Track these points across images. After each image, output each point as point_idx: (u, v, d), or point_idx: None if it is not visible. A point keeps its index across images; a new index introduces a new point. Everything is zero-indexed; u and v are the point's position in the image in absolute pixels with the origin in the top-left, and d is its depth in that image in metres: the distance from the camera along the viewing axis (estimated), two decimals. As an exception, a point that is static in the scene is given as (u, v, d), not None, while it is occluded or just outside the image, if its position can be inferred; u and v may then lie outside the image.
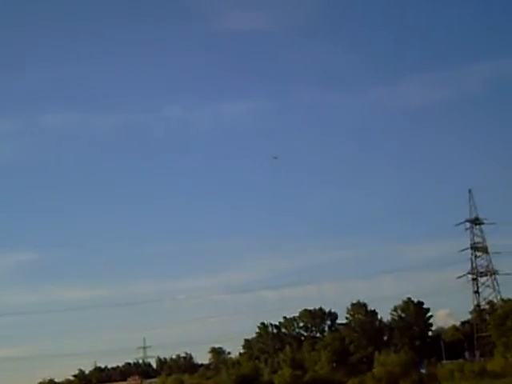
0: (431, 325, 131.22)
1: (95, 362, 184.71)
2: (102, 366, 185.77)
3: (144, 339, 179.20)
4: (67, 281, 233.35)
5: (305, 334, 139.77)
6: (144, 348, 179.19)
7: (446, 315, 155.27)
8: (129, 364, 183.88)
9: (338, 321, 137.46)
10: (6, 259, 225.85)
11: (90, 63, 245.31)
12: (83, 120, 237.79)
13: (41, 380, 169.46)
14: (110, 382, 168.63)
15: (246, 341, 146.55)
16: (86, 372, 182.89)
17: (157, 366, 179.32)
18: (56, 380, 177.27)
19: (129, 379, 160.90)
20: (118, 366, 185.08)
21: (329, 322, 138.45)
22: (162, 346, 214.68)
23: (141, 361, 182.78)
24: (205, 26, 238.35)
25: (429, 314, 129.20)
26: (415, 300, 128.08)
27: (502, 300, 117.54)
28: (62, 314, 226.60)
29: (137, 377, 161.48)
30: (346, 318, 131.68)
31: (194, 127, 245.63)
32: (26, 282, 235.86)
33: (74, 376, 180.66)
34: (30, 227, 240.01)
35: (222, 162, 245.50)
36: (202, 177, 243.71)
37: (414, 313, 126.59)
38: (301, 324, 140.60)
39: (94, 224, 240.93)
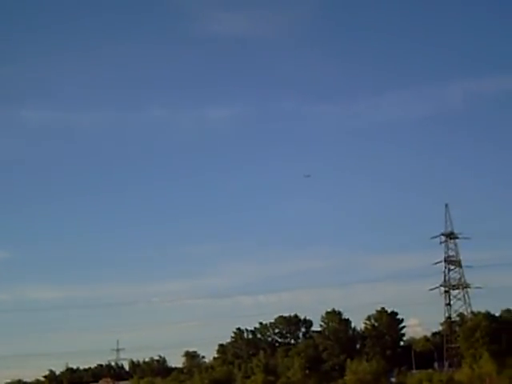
0: (403, 335, 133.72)
1: (67, 363, 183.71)
2: (74, 367, 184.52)
3: (117, 341, 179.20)
4: (40, 280, 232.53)
5: (279, 340, 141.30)
6: (117, 350, 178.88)
7: (417, 326, 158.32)
8: (101, 366, 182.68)
9: (313, 328, 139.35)
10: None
11: (75, 60, 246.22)
12: (64, 117, 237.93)
13: (8, 380, 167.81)
14: (81, 383, 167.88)
15: (221, 345, 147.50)
16: (57, 373, 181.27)
17: (130, 368, 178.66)
18: (25, 380, 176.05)
19: (100, 381, 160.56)
20: (89, 368, 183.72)
21: (303, 329, 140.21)
22: (136, 348, 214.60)
23: (113, 363, 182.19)
24: (193, 29, 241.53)
25: (402, 325, 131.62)
26: (389, 310, 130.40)
27: (472, 313, 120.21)
28: (34, 313, 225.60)
29: (109, 379, 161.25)
30: (321, 326, 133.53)
31: (177, 129, 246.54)
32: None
33: (45, 377, 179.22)
34: (2, 225, 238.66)
35: (203, 166, 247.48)
36: (181, 180, 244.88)
37: (387, 322, 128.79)
38: (276, 330, 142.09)
39: (70, 224, 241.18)
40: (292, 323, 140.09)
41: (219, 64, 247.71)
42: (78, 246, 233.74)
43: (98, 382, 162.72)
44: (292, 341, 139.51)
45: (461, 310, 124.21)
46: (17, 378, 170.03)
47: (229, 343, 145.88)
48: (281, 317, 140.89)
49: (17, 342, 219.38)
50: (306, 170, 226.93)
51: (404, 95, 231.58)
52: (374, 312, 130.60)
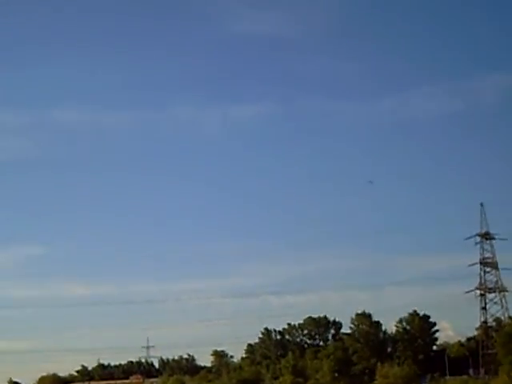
0: (436, 339, 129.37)
1: (98, 358, 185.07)
2: (105, 364, 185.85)
3: (147, 339, 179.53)
4: (73, 277, 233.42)
5: (308, 341, 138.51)
6: (147, 347, 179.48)
7: (450, 330, 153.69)
8: (131, 362, 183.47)
9: (342, 330, 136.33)
10: (14, 252, 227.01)
11: (105, 61, 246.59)
12: (94, 116, 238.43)
13: (44, 374, 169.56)
14: (112, 379, 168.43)
15: (249, 345, 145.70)
16: (89, 368, 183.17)
17: (159, 365, 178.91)
18: (59, 374, 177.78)
19: (131, 378, 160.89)
20: (120, 364, 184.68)
21: (333, 331, 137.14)
22: (165, 346, 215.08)
23: (143, 360, 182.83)
24: (218, 28, 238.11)
25: (434, 329, 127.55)
26: (421, 313, 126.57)
27: (510, 318, 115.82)
28: (67, 309, 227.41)
29: (139, 376, 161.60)
30: (350, 328, 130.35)
31: (202, 127, 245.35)
32: (33, 276, 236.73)
33: (77, 372, 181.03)
34: (39, 222, 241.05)
35: (228, 165, 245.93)
36: (207, 178, 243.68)
37: (419, 326, 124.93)
38: (305, 331, 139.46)
39: (102, 222, 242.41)
40: (321, 325, 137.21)
41: (244, 62, 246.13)
42: (111, 244, 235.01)
43: (128, 378, 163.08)
44: (321, 342, 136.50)
45: (497, 315, 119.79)
46: (51, 373, 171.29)
47: (257, 343, 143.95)
48: (309, 318, 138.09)
49: (51, 338, 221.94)
50: (333, 168, 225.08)
51: (434, 91, 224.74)
52: (406, 315, 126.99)
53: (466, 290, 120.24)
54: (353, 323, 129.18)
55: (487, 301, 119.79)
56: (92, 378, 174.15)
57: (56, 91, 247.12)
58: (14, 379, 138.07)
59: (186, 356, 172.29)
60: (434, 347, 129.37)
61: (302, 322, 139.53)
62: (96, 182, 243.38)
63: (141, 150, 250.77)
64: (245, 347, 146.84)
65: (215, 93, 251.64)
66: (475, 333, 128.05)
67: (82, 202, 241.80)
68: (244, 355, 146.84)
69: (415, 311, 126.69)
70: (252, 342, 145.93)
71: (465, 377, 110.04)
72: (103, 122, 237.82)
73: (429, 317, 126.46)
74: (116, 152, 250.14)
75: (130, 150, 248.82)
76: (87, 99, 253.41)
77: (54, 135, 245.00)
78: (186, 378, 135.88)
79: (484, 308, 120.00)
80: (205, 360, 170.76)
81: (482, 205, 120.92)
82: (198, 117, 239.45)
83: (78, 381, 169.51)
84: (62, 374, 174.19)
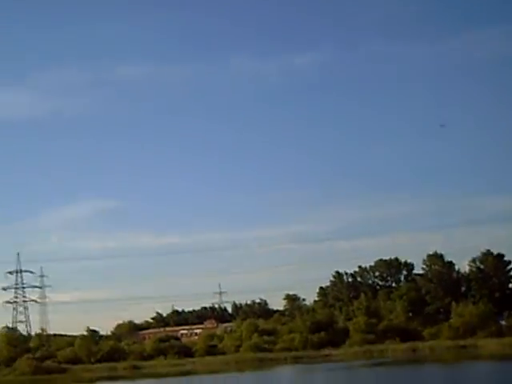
0: (511, 277, 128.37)
1: (172, 305, 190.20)
2: (179, 310, 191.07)
3: (219, 285, 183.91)
4: (145, 228, 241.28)
5: (380, 283, 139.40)
6: (219, 293, 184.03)
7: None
8: (205, 308, 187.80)
9: (414, 271, 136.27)
10: (86, 205, 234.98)
11: (166, 14, 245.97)
12: (153, 72, 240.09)
13: (120, 321, 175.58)
14: (187, 325, 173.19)
15: (321, 288, 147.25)
16: (164, 315, 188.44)
17: (232, 310, 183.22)
18: (135, 322, 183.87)
19: (205, 323, 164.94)
20: (194, 310, 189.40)
21: (405, 272, 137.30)
22: (237, 291, 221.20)
23: (217, 305, 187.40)
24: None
25: (509, 267, 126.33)
26: (495, 252, 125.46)
27: None
28: (138, 259, 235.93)
29: (213, 321, 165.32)
30: (422, 269, 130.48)
31: (263, 78, 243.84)
32: (104, 228, 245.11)
33: (152, 318, 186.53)
34: (110, 176, 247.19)
35: (290, 113, 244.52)
36: (272, 128, 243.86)
37: (493, 265, 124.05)
38: (376, 273, 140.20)
39: (169, 173, 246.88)
40: (392, 266, 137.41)
41: (305, 8, 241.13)
42: (179, 195, 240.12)
43: (202, 323, 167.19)
44: (393, 284, 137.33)
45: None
46: (127, 320, 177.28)
47: (329, 286, 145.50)
48: (381, 260, 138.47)
49: (127, 287, 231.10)
50: (397, 114, 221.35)
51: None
52: (479, 254, 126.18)
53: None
54: (425, 264, 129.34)
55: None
56: (167, 324, 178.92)
57: (119, 47, 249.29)
58: (92, 327, 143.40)
59: (258, 301, 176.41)
60: (510, 285, 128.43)
61: (372, 264, 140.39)
62: (161, 135, 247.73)
63: (201, 102, 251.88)
64: (316, 290, 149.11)
65: (275, 42, 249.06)
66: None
67: (148, 156, 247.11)
68: (316, 298, 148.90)
69: (488, 250, 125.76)
70: (323, 285, 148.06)
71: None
72: (166, 75, 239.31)
73: (503, 255, 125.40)
74: (178, 107, 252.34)
75: (191, 103, 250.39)
76: (149, 55, 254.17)
77: (117, 91, 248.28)
78: (260, 321, 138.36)
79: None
80: (277, 304, 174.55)
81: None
82: (257, 67, 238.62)
83: (154, 327, 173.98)
84: (138, 321, 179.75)
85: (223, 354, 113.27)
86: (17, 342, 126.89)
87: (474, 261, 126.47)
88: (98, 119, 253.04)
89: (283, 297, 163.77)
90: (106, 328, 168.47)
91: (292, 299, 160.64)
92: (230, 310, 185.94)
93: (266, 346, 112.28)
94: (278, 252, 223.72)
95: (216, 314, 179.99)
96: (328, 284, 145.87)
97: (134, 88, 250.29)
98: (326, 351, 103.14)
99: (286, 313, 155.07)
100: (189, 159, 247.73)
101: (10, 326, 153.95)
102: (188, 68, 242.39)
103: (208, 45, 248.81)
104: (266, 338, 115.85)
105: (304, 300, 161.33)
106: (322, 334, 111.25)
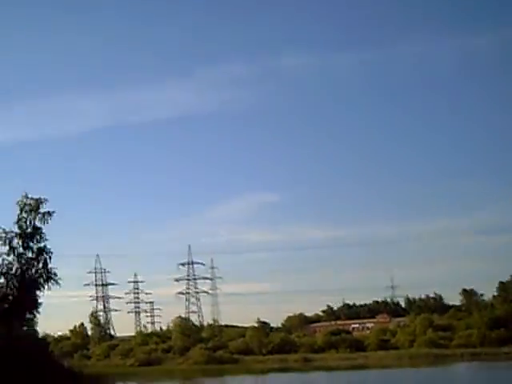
0: None
1: (343, 298, 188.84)
2: (350, 303, 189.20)
3: (391, 278, 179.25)
4: (307, 221, 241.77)
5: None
6: (392, 287, 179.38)
7: None
8: (377, 302, 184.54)
9: None
10: (250, 200, 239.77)
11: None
12: (318, 62, 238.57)
13: (290, 314, 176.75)
14: (358, 318, 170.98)
15: (501, 283, 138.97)
16: (335, 308, 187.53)
17: (405, 305, 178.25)
18: (305, 314, 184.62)
19: (377, 317, 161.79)
20: (365, 304, 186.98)
21: None
22: (410, 285, 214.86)
23: (389, 299, 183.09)
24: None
25: None
26: None
27: None
28: (305, 252, 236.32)
29: (385, 315, 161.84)
30: None
31: (438, 63, 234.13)
32: (268, 222, 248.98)
33: (323, 311, 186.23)
34: (272, 171, 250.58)
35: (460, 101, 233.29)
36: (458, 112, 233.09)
37: None
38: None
39: (335, 166, 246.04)
40: None
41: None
42: (343, 187, 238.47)
43: (374, 317, 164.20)
44: None
45: None
46: (298, 312, 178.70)
47: (509, 281, 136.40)
48: None
49: (296, 279, 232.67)
50: None
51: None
52: None
53: None
54: None
55: None
56: (338, 318, 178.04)
57: (282, 38, 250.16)
58: (262, 319, 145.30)
59: (432, 295, 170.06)
60: None
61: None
62: (324, 128, 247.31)
63: (373, 92, 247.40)
64: (496, 285, 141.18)
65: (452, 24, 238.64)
66: None
67: (314, 149, 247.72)
68: (495, 293, 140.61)
69: None
70: (504, 280, 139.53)
71: None
72: (331, 65, 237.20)
73: None
74: (347, 96, 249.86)
75: (360, 93, 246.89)
76: (314, 44, 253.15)
77: (282, 85, 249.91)
78: (435, 316, 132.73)
79: None
80: (453, 299, 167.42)
81: None
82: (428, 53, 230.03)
83: (324, 320, 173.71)
84: (308, 314, 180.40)
85: (396, 348, 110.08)
86: (190, 331, 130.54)
87: None
88: (264, 112, 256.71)
89: (459, 291, 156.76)
90: (275, 320, 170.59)
91: (469, 294, 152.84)
92: (402, 304, 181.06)
93: (442, 341, 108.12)
94: (453, 244, 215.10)
95: (388, 309, 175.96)
96: (509, 279, 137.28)
97: (299, 80, 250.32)
98: (506, 349, 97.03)
99: (463, 308, 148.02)
100: (346, 154, 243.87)
101: (184, 316, 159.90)
102: (355, 57, 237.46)
103: (372, 32, 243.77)
104: (441, 333, 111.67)
105: (482, 295, 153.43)
106: (502, 330, 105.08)
